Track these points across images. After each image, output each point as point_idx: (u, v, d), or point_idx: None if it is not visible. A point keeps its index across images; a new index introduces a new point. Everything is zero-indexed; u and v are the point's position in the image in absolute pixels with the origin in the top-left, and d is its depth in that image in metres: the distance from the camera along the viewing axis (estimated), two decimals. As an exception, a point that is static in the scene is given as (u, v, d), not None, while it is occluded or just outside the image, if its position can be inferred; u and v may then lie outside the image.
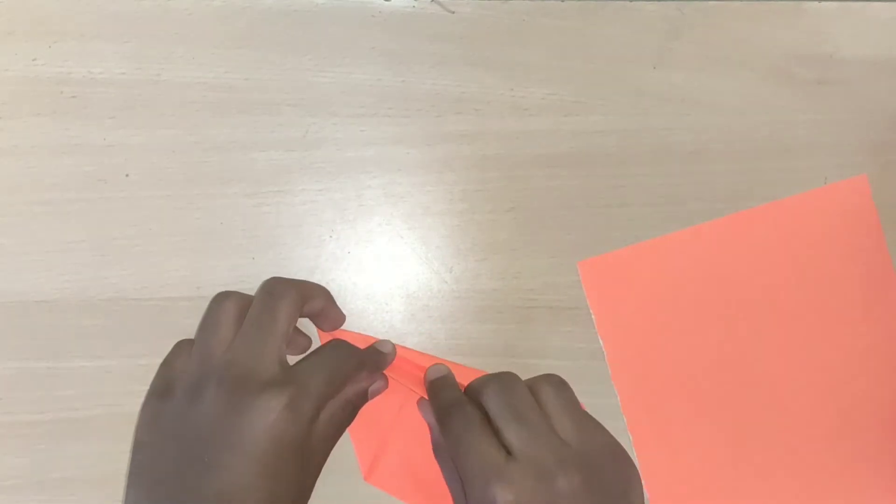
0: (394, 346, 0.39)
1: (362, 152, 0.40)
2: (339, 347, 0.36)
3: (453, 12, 0.41)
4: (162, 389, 0.35)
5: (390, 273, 0.40)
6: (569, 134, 0.41)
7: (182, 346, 0.37)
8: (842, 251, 0.42)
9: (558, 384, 0.35)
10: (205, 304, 0.39)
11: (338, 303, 0.40)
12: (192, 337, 0.38)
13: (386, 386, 0.38)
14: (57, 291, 0.39)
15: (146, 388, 0.38)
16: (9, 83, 0.39)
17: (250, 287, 0.39)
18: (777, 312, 0.41)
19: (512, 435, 0.33)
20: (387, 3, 0.41)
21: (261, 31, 0.40)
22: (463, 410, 0.34)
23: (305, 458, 0.34)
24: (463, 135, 0.41)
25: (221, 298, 0.36)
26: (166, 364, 0.36)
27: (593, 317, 0.41)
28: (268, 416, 0.32)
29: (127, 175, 0.39)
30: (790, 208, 0.42)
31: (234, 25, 0.40)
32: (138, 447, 0.34)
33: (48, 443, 0.38)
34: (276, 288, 0.35)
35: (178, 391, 0.34)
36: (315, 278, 0.40)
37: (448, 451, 0.35)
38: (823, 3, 0.43)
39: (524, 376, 0.40)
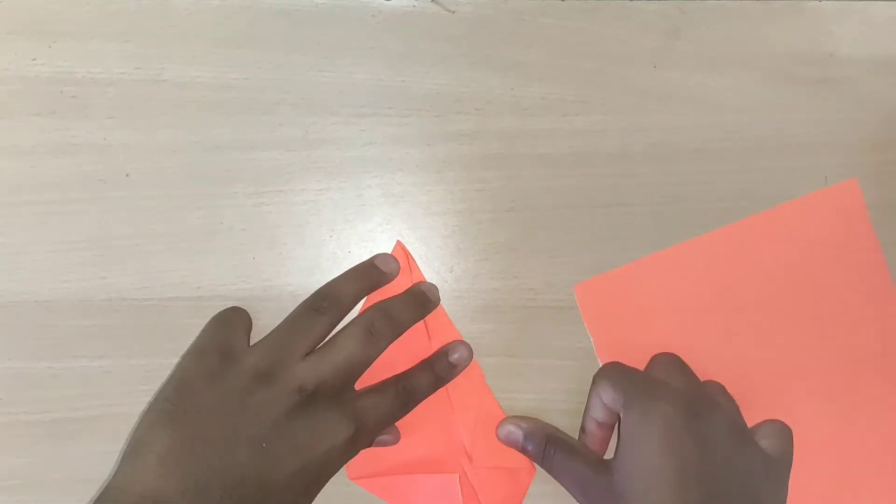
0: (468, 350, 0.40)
1: (362, 152, 0.40)
2: (406, 392, 0.37)
3: (453, 12, 0.41)
4: (226, 351, 0.35)
5: (390, 273, 0.40)
6: (569, 134, 0.41)
7: (239, 315, 0.38)
8: (836, 256, 0.42)
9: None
10: (205, 305, 0.39)
11: (338, 302, 0.40)
12: (190, 336, 0.38)
13: (395, 442, 0.39)
14: (57, 291, 0.39)
15: (146, 388, 0.38)
16: (9, 83, 0.39)
17: (250, 287, 0.39)
18: (774, 325, 0.41)
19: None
20: (387, 3, 0.41)
21: (261, 31, 0.40)
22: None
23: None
24: (463, 135, 0.41)
25: (315, 310, 0.37)
26: (224, 323, 0.37)
27: (591, 341, 0.40)
28: (335, 439, 0.33)
29: (127, 175, 0.39)
30: (781, 217, 0.41)
31: (234, 25, 0.40)
32: (185, 388, 0.34)
33: (48, 443, 0.38)
34: (376, 325, 0.36)
35: (246, 365, 0.34)
36: (315, 278, 0.40)
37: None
38: (823, 3, 0.43)
39: (524, 376, 0.40)
